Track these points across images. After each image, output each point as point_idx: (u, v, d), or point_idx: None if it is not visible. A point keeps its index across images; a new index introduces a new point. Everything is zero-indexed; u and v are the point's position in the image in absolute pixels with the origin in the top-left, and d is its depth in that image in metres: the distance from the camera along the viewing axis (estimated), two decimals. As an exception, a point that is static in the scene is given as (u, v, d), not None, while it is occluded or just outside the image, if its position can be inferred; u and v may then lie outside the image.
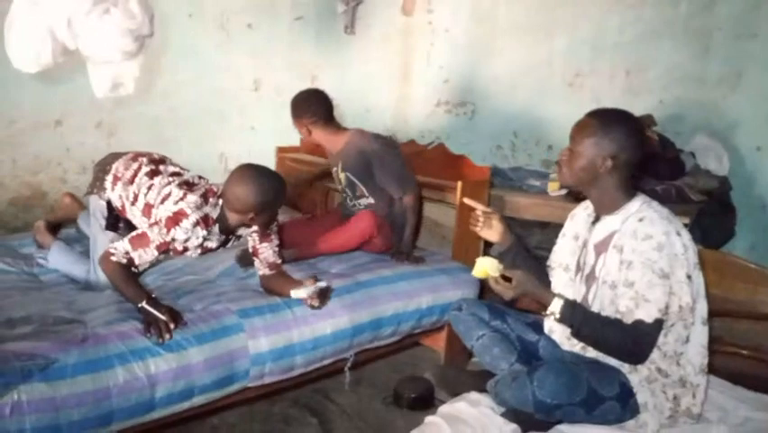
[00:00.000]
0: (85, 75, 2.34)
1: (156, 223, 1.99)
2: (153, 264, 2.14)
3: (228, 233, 2.14)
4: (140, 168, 2.24)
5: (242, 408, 2.25)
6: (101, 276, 2.13)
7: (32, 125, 3.10)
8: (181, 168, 2.31)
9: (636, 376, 1.61)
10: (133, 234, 2.00)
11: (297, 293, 2.11)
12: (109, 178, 2.30)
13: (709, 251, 2.29)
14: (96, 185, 2.33)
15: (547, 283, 1.90)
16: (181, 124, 3.56)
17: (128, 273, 1.96)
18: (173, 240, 1.97)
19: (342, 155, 2.73)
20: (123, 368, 1.72)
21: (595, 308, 1.70)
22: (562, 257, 1.90)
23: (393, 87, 4.05)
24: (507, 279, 1.72)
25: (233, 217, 2.06)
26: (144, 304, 1.89)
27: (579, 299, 1.76)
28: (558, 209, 2.86)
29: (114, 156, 2.38)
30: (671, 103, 3.19)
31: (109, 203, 2.32)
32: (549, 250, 2.81)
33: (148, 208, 2.10)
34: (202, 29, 3.54)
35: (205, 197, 2.05)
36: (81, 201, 2.73)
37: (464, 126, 3.84)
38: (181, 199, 2.00)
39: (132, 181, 2.21)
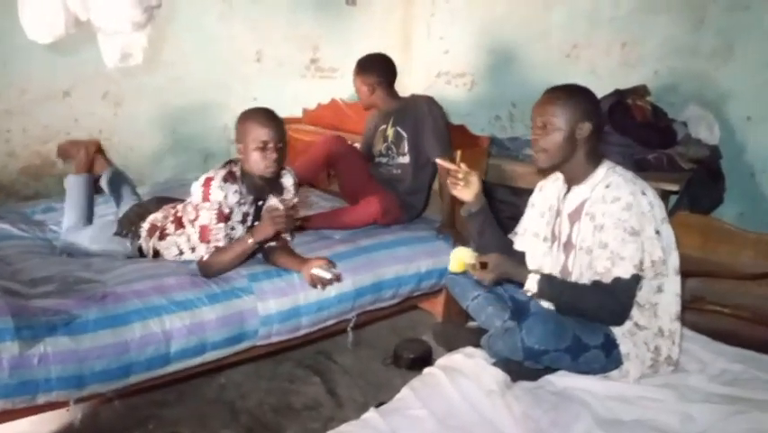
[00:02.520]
0: (92, 47, 2.41)
1: (195, 208, 2.08)
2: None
3: (257, 192, 2.20)
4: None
5: (247, 367, 2.36)
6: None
7: (42, 96, 3.16)
8: None
9: (619, 329, 1.72)
10: (196, 234, 2.09)
11: (319, 271, 2.15)
12: (145, 225, 2.36)
13: (695, 215, 2.38)
14: (132, 230, 2.38)
15: (510, 247, 2.01)
16: (185, 95, 3.62)
17: (223, 252, 2.09)
18: (218, 204, 2.05)
19: (396, 112, 2.87)
20: (141, 324, 1.83)
21: (575, 274, 1.80)
22: (531, 226, 2.00)
23: (394, 58, 4.08)
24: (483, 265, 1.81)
25: (249, 159, 2.10)
26: (251, 241, 2.07)
27: (559, 267, 1.86)
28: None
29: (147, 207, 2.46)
30: (665, 74, 3.25)
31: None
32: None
33: (178, 220, 2.24)
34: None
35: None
36: (107, 158, 2.80)
37: (464, 97, 3.91)
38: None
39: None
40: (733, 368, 1.77)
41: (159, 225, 2.32)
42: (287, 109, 3.92)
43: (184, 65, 3.57)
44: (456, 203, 2.55)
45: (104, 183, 2.69)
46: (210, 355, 1.99)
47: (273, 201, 2.22)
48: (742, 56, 3.01)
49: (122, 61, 2.40)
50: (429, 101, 2.84)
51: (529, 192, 2.97)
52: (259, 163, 2.09)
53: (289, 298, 2.14)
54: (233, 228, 2.15)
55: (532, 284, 1.73)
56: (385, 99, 2.89)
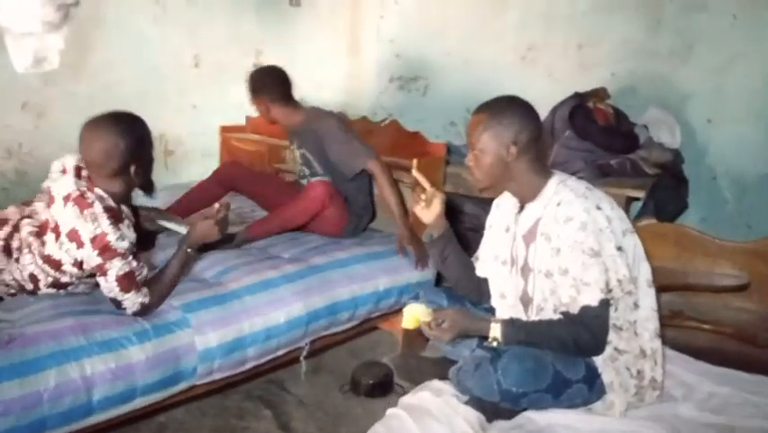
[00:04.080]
0: (3, 50, 2.13)
1: (99, 267, 1.77)
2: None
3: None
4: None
5: (190, 402, 2.12)
6: None
7: (-52, 107, 2.83)
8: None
9: (599, 357, 1.57)
10: (115, 286, 1.77)
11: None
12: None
13: (670, 224, 2.28)
14: None
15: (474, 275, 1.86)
16: (116, 104, 3.22)
17: (160, 278, 1.89)
18: (128, 246, 1.79)
19: (299, 133, 2.66)
20: (56, 370, 1.57)
21: (537, 300, 1.65)
22: (491, 249, 1.85)
23: (343, 62, 3.91)
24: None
25: (116, 181, 1.83)
26: (190, 251, 1.93)
27: (519, 293, 1.71)
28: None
29: None
30: (623, 76, 3.17)
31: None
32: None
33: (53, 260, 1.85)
34: (136, 1, 3.31)
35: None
36: None
37: (417, 102, 3.75)
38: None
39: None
40: (721, 391, 1.64)
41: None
42: (229, 117, 3.70)
43: (114, 72, 3.28)
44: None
45: None
46: (141, 401, 1.74)
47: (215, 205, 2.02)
48: (700, 57, 2.94)
49: (35, 66, 2.15)
50: (323, 116, 2.64)
51: (489, 201, 2.86)
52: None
53: (232, 327, 1.92)
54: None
55: (496, 332, 1.55)
56: (285, 115, 2.65)
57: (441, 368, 1.78)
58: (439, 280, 2.58)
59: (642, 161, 2.71)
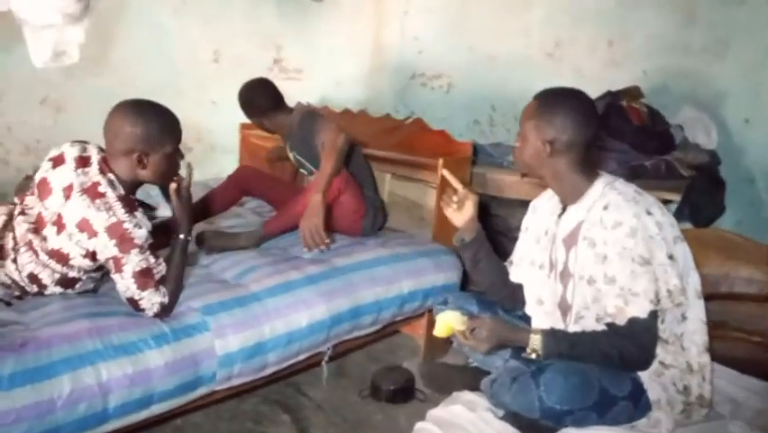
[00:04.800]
0: (21, 43, 2.07)
1: (114, 261, 1.70)
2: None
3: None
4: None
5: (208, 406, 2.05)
6: None
7: (-35, 102, 2.80)
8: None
9: (645, 372, 1.47)
10: (133, 284, 1.71)
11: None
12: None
13: (710, 229, 2.16)
14: None
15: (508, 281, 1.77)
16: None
17: (171, 273, 1.81)
18: (145, 237, 1.73)
19: (290, 136, 2.65)
20: (71, 376, 1.50)
21: (576, 307, 1.56)
22: (527, 253, 1.76)
23: (364, 58, 3.82)
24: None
25: (122, 167, 1.76)
26: (183, 237, 1.85)
27: (557, 299, 1.62)
28: (539, 187, 2.71)
29: None
30: (654, 73, 3.05)
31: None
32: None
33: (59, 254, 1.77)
34: (156, -6, 3.27)
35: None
36: None
37: (440, 100, 3.66)
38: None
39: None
40: (770, 408, 1.53)
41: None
42: (248, 114, 3.63)
43: (134, 66, 3.24)
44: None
45: None
46: (158, 408, 1.67)
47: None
48: (738, 54, 2.80)
49: (54, 60, 2.07)
50: (297, 114, 2.60)
51: (517, 203, 2.77)
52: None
53: (253, 331, 1.84)
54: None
55: (536, 344, 1.47)
56: (278, 125, 2.64)
57: (471, 378, 1.70)
58: (464, 282, 2.50)
59: (677, 162, 2.60)
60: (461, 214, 1.73)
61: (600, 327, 1.49)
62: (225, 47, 3.56)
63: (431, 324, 2.47)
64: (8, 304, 1.81)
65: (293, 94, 3.67)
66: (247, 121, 3.63)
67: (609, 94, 2.76)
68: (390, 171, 2.99)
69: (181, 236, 1.87)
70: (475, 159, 2.81)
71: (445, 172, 1.82)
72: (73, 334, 1.59)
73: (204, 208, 2.62)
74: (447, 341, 2.69)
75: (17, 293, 1.84)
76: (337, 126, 2.42)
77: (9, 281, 1.81)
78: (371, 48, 3.82)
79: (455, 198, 1.73)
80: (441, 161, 2.52)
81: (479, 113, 3.56)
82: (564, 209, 1.62)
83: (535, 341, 1.46)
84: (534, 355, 1.47)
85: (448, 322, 1.60)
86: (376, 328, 2.25)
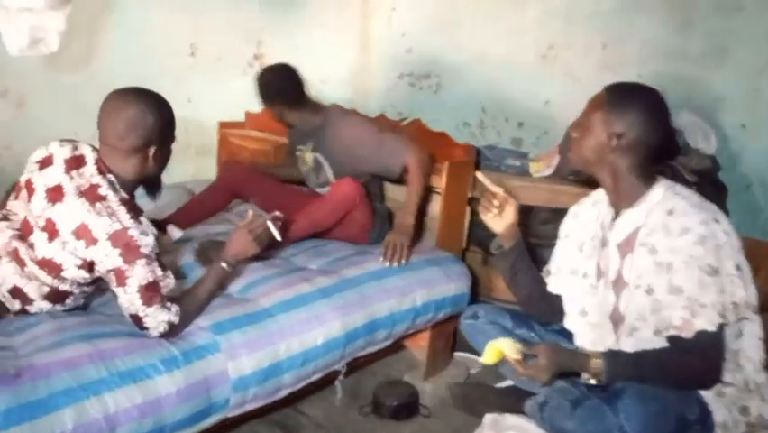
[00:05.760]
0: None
1: (116, 273, 1.51)
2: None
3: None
4: None
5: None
6: None
7: None
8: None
9: (709, 391, 1.39)
10: (137, 299, 1.52)
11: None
12: None
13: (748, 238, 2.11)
14: None
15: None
16: (104, 94, 2.99)
17: (194, 293, 1.67)
18: (152, 246, 1.54)
19: (315, 134, 2.44)
20: (73, 409, 1.31)
21: (630, 318, 1.47)
22: (567, 261, 1.67)
23: (350, 55, 3.66)
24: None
25: (129, 165, 1.58)
26: (225, 265, 1.71)
27: (608, 310, 1.53)
28: (544, 192, 2.64)
29: None
30: (649, 78, 2.93)
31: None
32: (536, 237, 2.64)
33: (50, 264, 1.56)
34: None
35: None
36: None
37: (429, 101, 3.54)
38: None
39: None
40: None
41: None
42: (227, 112, 3.43)
43: (103, 58, 2.99)
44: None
45: None
46: (168, 440, 1.49)
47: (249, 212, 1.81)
48: (735, 60, 2.81)
49: (31, 48, 1.86)
50: (345, 117, 2.45)
51: (520, 209, 2.66)
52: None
53: (267, 351, 1.68)
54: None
55: (598, 368, 1.37)
56: (301, 117, 2.45)
57: (510, 399, 1.59)
58: (473, 294, 2.39)
59: (681, 167, 2.57)
60: (502, 220, 1.63)
61: (658, 341, 1.40)
62: (203, 40, 3.34)
63: (434, 335, 2.36)
64: None
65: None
66: (226, 119, 3.47)
67: (613, 97, 2.70)
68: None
69: (223, 265, 1.71)
70: (479, 162, 2.71)
71: (480, 175, 1.71)
72: (73, 360, 1.39)
73: (190, 215, 2.43)
74: (449, 354, 2.60)
75: None
76: (416, 143, 2.34)
77: None
78: (358, 45, 3.67)
79: (495, 203, 1.61)
80: (447, 165, 2.41)
81: (469, 114, 3.46)
82: (616, 214, 1.52)
83: (597, 365, 1.36)
84: (592, 381, 1.37)
85: (500, 348, 1.47)
86: (388, 343, 2.11)
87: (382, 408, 2.12)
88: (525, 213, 2.67)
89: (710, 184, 2.61)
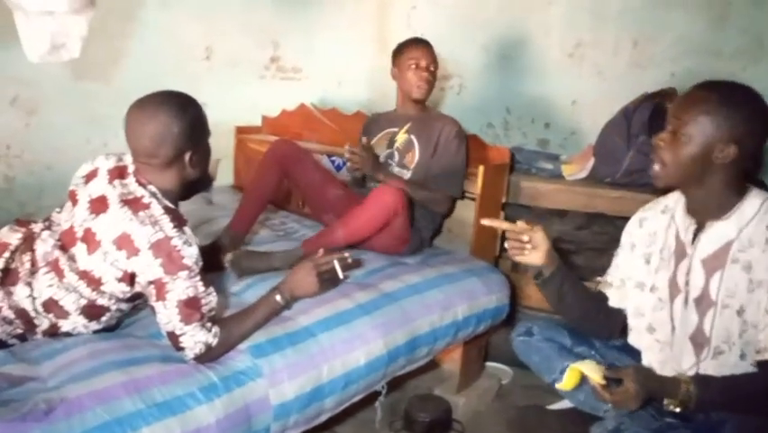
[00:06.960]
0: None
1: (156, 285, 1.43)
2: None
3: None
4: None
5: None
6: None
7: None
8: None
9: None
10: (176, 315, 1.42)
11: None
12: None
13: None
14: None
15: (600, 308, 1.56)
16: (118, 101, 2.87)
17: (243, 319, 1.56)
18: (195, 258, 1.44)
19: (418, 119, 2.47)
20: (110, 447, 1.20)
21: (716, 340, 1.35)
22: (633, 274, 1.54)
23: (368, 56, 3.55)
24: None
25: (168, 176, 1.50)
26: (279, 298, 1.62)
27: (690, 330, 1.40)
28: (579, 195, 2.53)
29: None
30: (683, 76, 2.91)
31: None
32: (570, 243, 2.53)
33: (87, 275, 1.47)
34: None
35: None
36: None
37: (451, 102, 3.43)
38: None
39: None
40: None
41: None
42: (243, 116, 3.33)
43: (116, 64, 2.88)
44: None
45: None
46: (208, 476, 1.38)
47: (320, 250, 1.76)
48: (772, 56, 2.71)
49: (52, 54, 1.75)
50: (459, 128, 2.44)
51: (554, 213, 2.56)
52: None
53: (309, 375, 1.57)
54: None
55: (686, 397, 1.26)
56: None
57: (571, 424, 1.47)
58: (513, 303, 2.28)
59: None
60: (537, 251, 1.49)
61: (744, 366, 1.29)
62: (218, 43, 3.23)
63: (467, 349, 2.25)
64: (6, 346, 1.50)
65: (291, 94, 3.39)
66: (242, 124, 3.36)
67: (650, 96, 2.60)
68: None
69: (278, 298, 1.62)
70: (513, 166, 2.60)
71: (487, 222, 1.55)
72: (107, 391, 1.28)
73: (249, 212, 2.25)
74: (481, 366, 2.49)
75: (20, 330, 1.52)
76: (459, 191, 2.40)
77: (12, 316, 1.49)
78: (376, 45, 3.56)
79: (525, 238, 1.48)
80: (482, 169, 2.30)
81: (492, 115, 3.36)
82: (700, 225, 1.40)
83: (687, 391, 1.25)
84: (677, 409, 1.26)
85: (583, 371, 1.36)
86: (427, 360, 2.01)
87: (415, 424, 2.05)
88: (560, 216, 2.58)
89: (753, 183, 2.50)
